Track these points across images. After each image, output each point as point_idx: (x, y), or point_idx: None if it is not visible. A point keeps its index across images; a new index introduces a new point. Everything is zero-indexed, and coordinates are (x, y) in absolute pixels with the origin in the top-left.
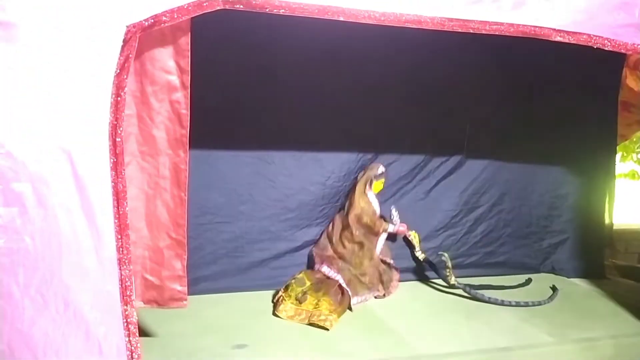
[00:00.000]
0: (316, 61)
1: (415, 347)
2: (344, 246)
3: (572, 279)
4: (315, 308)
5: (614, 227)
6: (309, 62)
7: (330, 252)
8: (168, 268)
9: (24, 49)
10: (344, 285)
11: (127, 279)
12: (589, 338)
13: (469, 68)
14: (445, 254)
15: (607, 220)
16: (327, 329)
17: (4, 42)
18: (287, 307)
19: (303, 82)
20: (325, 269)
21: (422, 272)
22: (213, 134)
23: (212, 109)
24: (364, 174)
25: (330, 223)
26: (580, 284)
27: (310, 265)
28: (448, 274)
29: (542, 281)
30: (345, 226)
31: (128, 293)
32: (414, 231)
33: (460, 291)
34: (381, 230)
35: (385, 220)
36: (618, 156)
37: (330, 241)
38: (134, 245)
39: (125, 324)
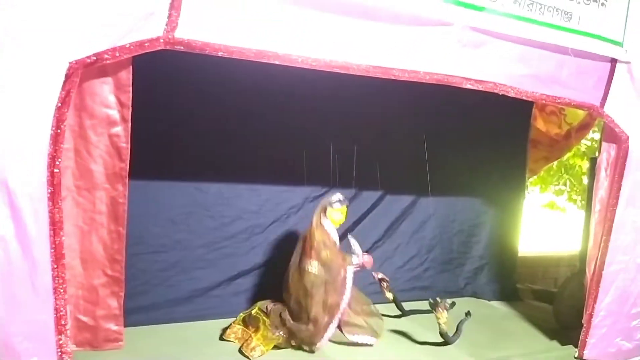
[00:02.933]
0: (248, 97)
1: None
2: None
3: (491, 302)
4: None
5: (532, 255)
6: (242, 96)
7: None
8: (103, 307)
9: None
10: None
11: (61, 308)
12: (504, 356)
13: (394, 110)
14: (381, 274)
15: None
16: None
17: None
18: (235, 329)
19: (235, 116)
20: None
21: None
22: (150, 164)
23: (148, 140)
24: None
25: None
26: (498, 307)
27: None
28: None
29: (464, 305)
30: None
31: (62, 322)
32: (380, 273)
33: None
34: (345, 265)
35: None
36: (537, 188)
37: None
38: (67, 284)
39: (60, 354)
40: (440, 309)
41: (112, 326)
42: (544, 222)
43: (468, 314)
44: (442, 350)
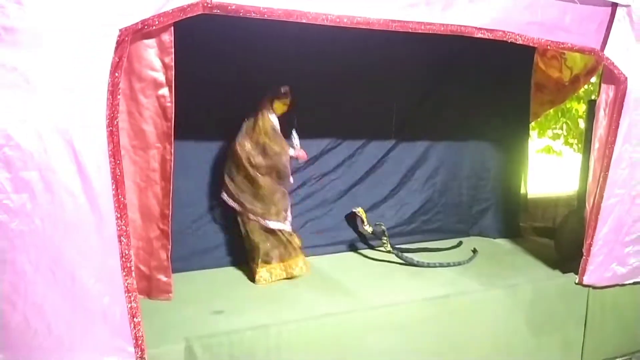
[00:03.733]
0: (272, 56)
1: (370, 300)
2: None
3: (496, 240)
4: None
5: (532, 196)
6: (267, 56)
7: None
8: (155, 258)
9: (27, 51)
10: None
11: (126, 253)
12: (511, 284)
13: (398, 61)
14: (382, 224)
15: (522, 190)
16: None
17: (10, 45)
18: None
19: (260, 76)
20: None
21: (355, 244)
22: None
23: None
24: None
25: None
26: (503, 243)
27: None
28: (385, 241)
29: (470, 243)
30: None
31: (128, 265)
32: (359, 208)
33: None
34: (283, 152)
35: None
36: (535, 133)
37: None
38: (130, 234)
39: (127, 293)
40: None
41: (163, 277)
42: (541, 166)
43: (475, 251)
44: (453, 280)
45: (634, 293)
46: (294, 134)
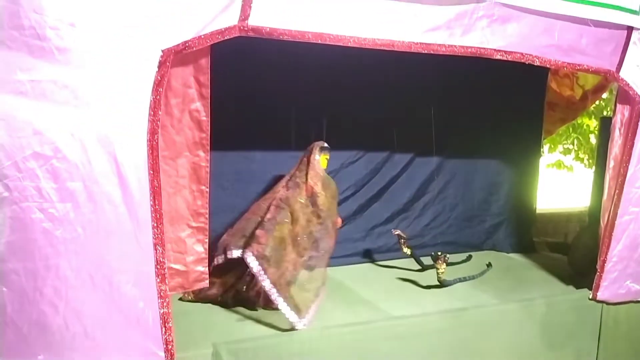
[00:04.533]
0: (299, 75)
1: (387, 311)
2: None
3: (509, 254)
4: None
5: (543, 211)
6: (294, 75)
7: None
8: (191, 253)
9: (77, 69)
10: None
11: (161, 260)
12: (526, 299)
13: (414, 79)
14: (399, 230)
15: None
16: None
17: (62, 65)
18: None
19: (288, 92)
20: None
21: (372, 255)
22: None
23: None
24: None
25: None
26: (517, 258)
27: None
28: (442, 270)
29: (484, 257)
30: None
31: (162, 272)
32: (399, 230)
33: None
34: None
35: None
36: (546, 148)
37: None
38: None
39: (160, 299)
40: (440, 261)
41: (201, 268)
42: (551, 181)
43: (489, 265)
44: (469, 294)
45: None
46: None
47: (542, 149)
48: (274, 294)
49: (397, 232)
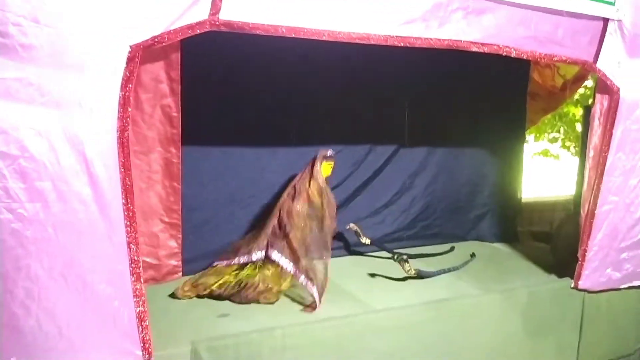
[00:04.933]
0: (273, 70)
1: (369, 304)
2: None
3: (493, 244)
4: None
5: (529, 200)
6: (268, 70)
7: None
8: (164, 248)
9: (43, 66)
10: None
11: (135, 259)
12: (507, 289)
13: (399, 71)
14: (404, 255)
15: (518, 194)
16: None
17: (26, 62)
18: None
19: (261, 87)
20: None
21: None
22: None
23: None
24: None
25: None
26: (501, 247)
27: None
28: (408, 268)
29: (468, 247)
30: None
31: (137, 270)
32: (351, 223)
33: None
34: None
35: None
36: (531, 137)
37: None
38: None
39: (135, 298)
40: (403, 264)
41: (173, 262)
42: (538, 170)
43: (473, 255)
44: (451, 284)
45: (628, 297)
46: None
47: (525, 139)
48: (304, 280)
49: (349, 227)
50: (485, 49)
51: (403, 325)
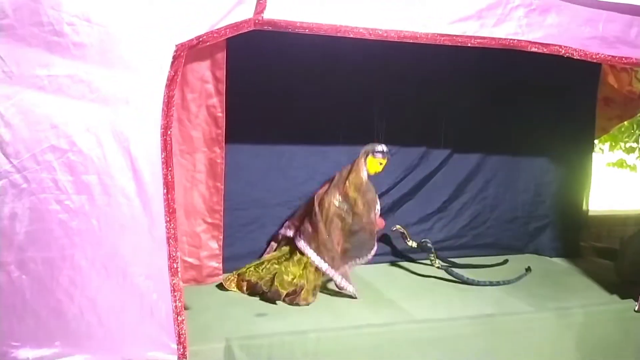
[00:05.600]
0: (322, 69)
1: (412, 314)
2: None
3: (552, 259)
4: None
5: (598, 213)
6: (317, 69)
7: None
8: (206, 249)
9: (93, 64)
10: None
11: (174, 254)
12: (562, 307)
13: (459, 73)
14: (428, 241)
15: (584, 206)
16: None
17: (78, 59)
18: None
19: (310, 86)
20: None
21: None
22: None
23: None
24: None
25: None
26: (560, 263)
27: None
28: (433, 258)
29: (524, 261)
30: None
31: (175, 266)
32: (397, 225)
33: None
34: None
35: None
36: (606, 146)
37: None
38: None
39: (172, 292)
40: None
41: (214, 264)
42: (612, 181)
43: (528, 269)
44: (502, 299)
45: None
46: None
47: (594, 147)
48: (330, 271)
49: (395, 228)
50: (545, 50)
51: (444, 339)
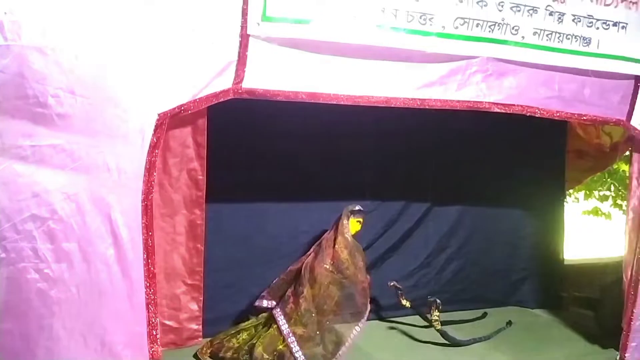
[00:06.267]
0: (302, 127)
1: None
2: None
3: (534, 310)
4: None
5: (575, 262)
6: (298, 128)
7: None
8: (185, 311)
9: (75, 134)
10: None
11: (153, 321)
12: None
13: (433, 130)
14: (437, 299)
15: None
16: None
17: (61, 130)
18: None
19: (292, 147)
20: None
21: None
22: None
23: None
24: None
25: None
26: (542, 315)
27: None
28: (436, 319)
29: (507, 314)
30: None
31: (154, 333)
32: (394, 282)
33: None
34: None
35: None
36: (581, 194)
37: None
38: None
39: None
40: (433, 307)
41: (194, 326)
42: (588, 229)
43: (509, 323)
44: (487, 354)
45: None
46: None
47: (565, 198)
48: (295, 347)
49: (392, 284)
50: (508, 110)
51: None
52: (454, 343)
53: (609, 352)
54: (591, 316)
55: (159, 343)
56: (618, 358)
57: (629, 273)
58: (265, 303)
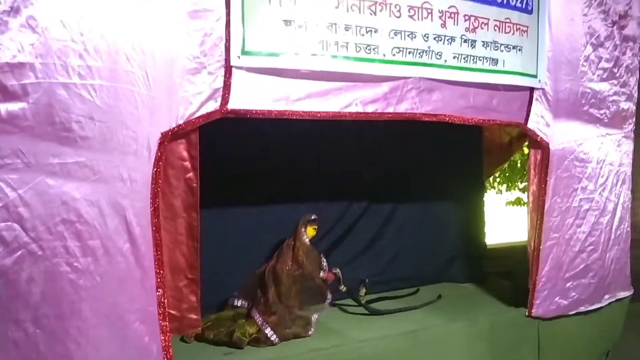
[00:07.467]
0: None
1: (353, 336)
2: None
3: (463, 284)
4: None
5: (500, 245)
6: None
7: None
8: (186, 302)
9: (96, 151)
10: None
11: (162, 301)
12: (471, 318)
13: (369, 138)
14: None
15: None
16: None
17: (84, 149)
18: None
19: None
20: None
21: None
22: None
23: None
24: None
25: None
26: (469, 287)
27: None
28: (363, 295)
29: (439, 289)
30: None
31: (164, 311)
32: (337, 269)
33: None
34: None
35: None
36: (504, 187)
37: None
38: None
39: (161, 334)
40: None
41: (193, 316)
42: (514, 217)
43: (439, 296)
44: (424, 317)
45: (579, 323)
46: (322, 257)
47: (484, 190)
48: (270, 332)
49: (336, 271)
50: (435, 119)
51: (382, 353)
52: (374, 312)
53: (520, 310)
54: (508, 285)
55: (167, 320)
56: (527, 313)
57: (532, 244)
58: (238, 302)
